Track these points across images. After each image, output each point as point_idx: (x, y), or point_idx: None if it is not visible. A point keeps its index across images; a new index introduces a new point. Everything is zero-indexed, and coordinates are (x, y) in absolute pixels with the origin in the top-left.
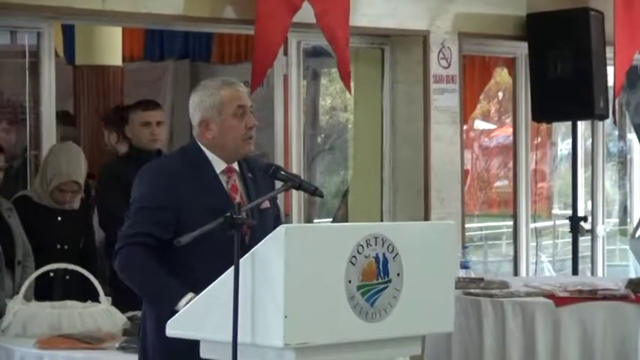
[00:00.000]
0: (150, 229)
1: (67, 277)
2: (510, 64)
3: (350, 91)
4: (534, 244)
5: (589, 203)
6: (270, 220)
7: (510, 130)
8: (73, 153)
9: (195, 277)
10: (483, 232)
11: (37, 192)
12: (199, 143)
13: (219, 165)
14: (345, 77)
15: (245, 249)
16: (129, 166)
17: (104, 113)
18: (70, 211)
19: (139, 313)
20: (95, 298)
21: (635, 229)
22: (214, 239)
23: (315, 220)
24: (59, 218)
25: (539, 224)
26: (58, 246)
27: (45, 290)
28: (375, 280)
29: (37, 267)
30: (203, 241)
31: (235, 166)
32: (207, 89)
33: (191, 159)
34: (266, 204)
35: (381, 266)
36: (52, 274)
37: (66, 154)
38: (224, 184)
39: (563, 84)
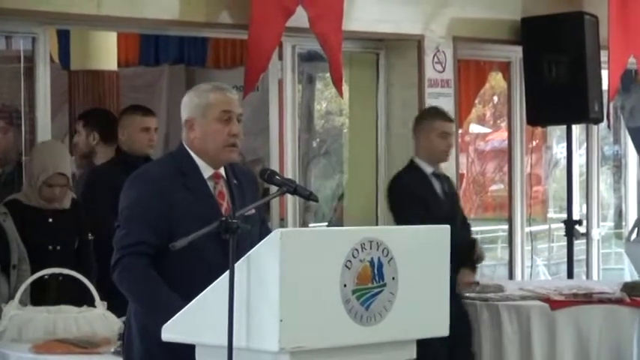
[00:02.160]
0: (145, 238)
1: (60, 278)
2: (505, 68)
3: (342, 96)
4: (529, 247)
5: (584, 207)
6: (255, 227)
7: (505, 133)
8: (56, 148)
9: (180, 284)
10: (479, 235)
11: (27, 194)
12: (187, 148)
13: (206, 170)
14: (337, 82)
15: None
16: (119, 171)
17: (83, 111)
18: (61, 212)
19: None
20: (90, 300)
21: (630, 233)
22: (198, 247)
23: (310, 225)
24: (50, 220)
25: (535, 228)
26: (51, 247)
27: (39, 293)
28: (370, 283)
29: (32, 269)
30: (188, 249)
31: (222, 171)
32: (197, 91)
33: (180, 164)
34: (252, 211)
35: (376, 270)
36: (45, 276)
37: (49, 150)
38: (212, 190)
39: (558, 88)
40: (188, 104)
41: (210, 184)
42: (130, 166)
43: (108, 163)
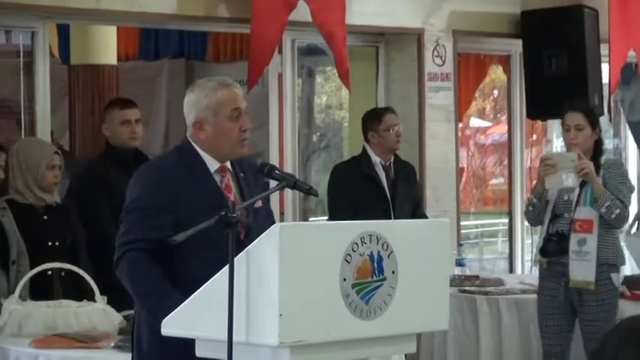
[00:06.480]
0: (147, 234)
1: (63, 273)
2: (505, 61)
3: (349, 89)
4: (530, 241)
5: None
6: (263, 219)
7: (505, 127)
8: (38, 139)
9: (194, 276)
10: (479, 229)
11: (21, 192)
12: (192, 142)
13: (212, 164)
14: (343, 75)
15: (241, 247)
16: (107, 165)
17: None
18: (53, 207)
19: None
20: (90, 295)
21: (631, 226)
22: (212, 238)
23: (310, 219)
24: (45, 217)
25: None
26: (50, 243)
27: (43, 288)
28: (369, 278)
29: (33, 266)
30: (201, 240)
31: (228, 165)
32: (203, 89)
33: (185, 158)
34: (259, 203)
35: (375, 264)
36: (49, 272)
37: (34, 141)
38: (218, 183)
39: (558, 81)
40: (195, 104)
41: (217, 177)
42: (120, 159)
43: (98, 157)
